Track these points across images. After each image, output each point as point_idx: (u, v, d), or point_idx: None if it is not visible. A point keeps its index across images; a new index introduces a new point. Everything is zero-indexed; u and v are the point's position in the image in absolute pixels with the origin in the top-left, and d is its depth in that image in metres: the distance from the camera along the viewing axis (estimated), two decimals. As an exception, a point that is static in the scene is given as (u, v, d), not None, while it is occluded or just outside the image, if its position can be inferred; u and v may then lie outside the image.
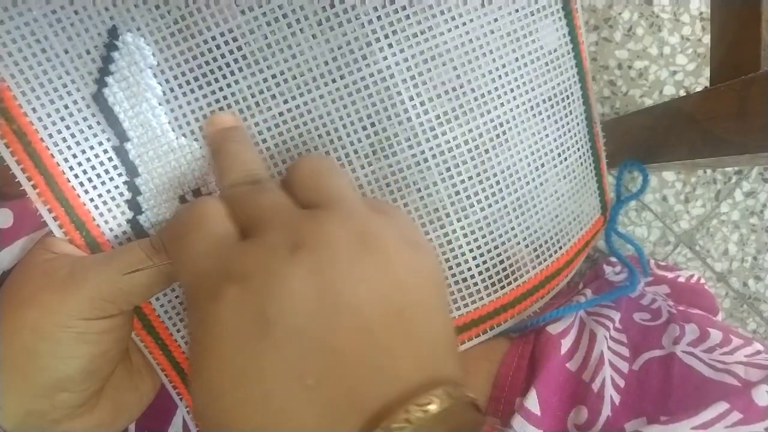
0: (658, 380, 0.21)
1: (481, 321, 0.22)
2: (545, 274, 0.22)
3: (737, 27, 0.26)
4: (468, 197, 0.20)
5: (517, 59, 0.20)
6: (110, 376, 0.18)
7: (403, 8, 0.18)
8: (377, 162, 0.19)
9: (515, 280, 0.21)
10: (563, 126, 0.22)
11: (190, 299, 0.13)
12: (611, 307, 0.26)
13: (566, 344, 0.24)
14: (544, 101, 0.21)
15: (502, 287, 0.21)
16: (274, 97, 0.18)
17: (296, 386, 0.11)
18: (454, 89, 0.19)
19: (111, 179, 0.18)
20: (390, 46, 0.18)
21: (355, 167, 0.19)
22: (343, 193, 0.14)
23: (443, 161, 0.19)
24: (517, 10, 0.19)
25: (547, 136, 0.21)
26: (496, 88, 0.19)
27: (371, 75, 0.18)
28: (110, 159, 0.18)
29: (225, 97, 0.18)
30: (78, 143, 0.18)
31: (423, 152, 0.19)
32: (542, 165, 0.21)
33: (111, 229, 0.19)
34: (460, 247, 0.20)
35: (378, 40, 0.18)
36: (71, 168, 0.18)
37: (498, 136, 0.20)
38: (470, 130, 0.19)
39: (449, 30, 0.18)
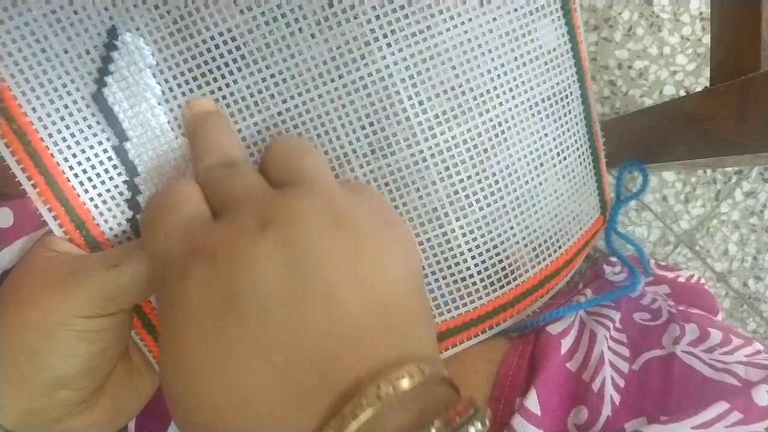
0: (658, 380, 0.21)
1: (480, 320, 0.22)
2: (544, 274, 0.22)
3: (737, 27, 0.25)
4: (467, 196, 0.20)
5: (515, 58, 0.20)
6: (110, 374, 0.18)
7: (402, 8, 0.18)
8: (376, 161, 0.19)
9: (514, 279, 0.21)
10: (562, 125, 0.22)
11: (160, 280, 0.13)
12: (611, 307, 0.26)
13: (566, 344, 0.24)
14: (543, 100, 0.21)
15: (501, 287, 0.21)
16: (272, 96, 0.18)
17: (263, 364, 0.10)
18: (452, 89, 0.19)
19: (111, 178, 0.18)
20: (389, 45, 0.18)
21: (354, 167, 0.19)
22: (315, 171, 0.14)
23: (442, 160, 0.19)
24: (515, 10, 0.19)
25: (546, 135, 0.21)
26: (495, 88, 0.19)
27: (370, 75, 0.18)
28: (110, 158, 0.18)
29: (224, 97, 0.18)
30: (78, 143, 0.18)
31: (422, 151, 0.19)
32: (541, 164, 0.21)
33: (111, 228, 0.19)
34: (459, 246, 0.20)
35: (377, 39, 0.18)
36: (71, 167, 0.18)
37: (497, 135, 0.20)
38: (469, 130, 0.19)
39: (448, 29, 0.18)
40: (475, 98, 0.19)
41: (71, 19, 0.17)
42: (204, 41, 0.18)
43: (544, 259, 0.22)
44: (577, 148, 0.23)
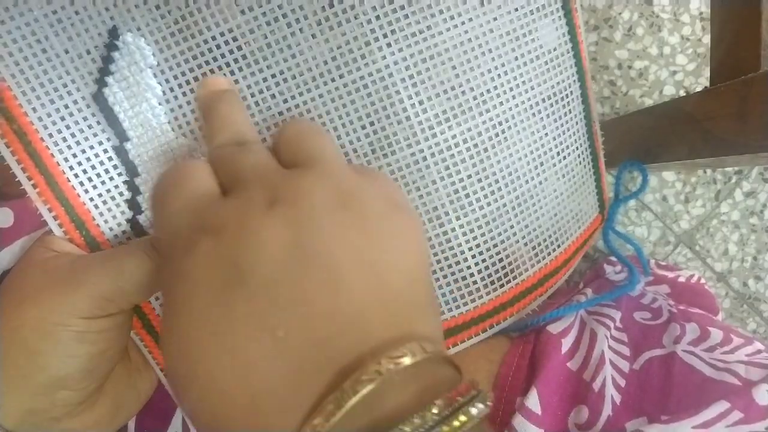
0: (658, 379, 0.21)
1: (481, 319, 0.22)
2: (544, 273, 0.22)
3: (737, 27, 0.25)
4: (467, 196, 0.20)
5: (516, 58, 0.20)
6: (110, 374, 0.18)
7: (402, 8, 0.18)
8: (377, 161, 0.19)
9: (514, 278, 0.21)
10: (562, 125, 0.22)
11: (166, 255, 0.13)
12: (612, 307, 0.26)
13: (567, 344, 0.24)
14: (543, 100, 0.21)
15: (501, 286, 0.21)
16: (273, 96, 0.18)
17: (266, 338, 0.10)
18: (453, 88, 0.19)
19: (111, 179, 0.18)
20: (389, 45, 0.18)
21: None
22: (325, 152, 0.14)
23: (442, 160, 0.19)
24: (516, 9, 0.19)
25: (546, 135, 0.21)
26: (495, 87, 0.19)
27: (370, 74, 0.18)
28: (110, 159, 0.18)
29: (225, 97, 0.18)
30: (78, 143, 0.18)
31: (422, 151, 0.19)
32: (541, 164, 0.21)
33: (111, 229, 0.19)
34: (459, 245, 0.20)
35: (377, 39, 0.18)
36: (71, 168, 0.18)
37: (497, 135, 0.20)
38: (469, 129, 0.19)
39: (448, 29, 0.18)
40: (475, 98, 0.19)
41: (72, 19, 0.17)
42: (205, 41, 0.18)
43: (544, 258, 0.22)
44: (577, 148, 0.23)
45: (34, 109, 0.17)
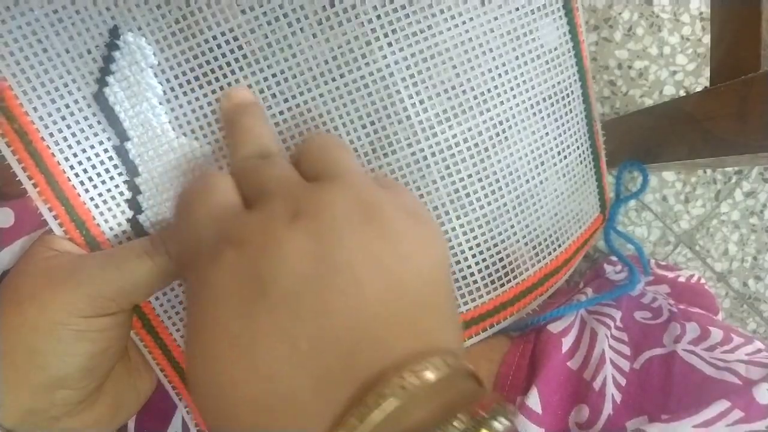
0: (659, 379, 0.21)
1: (481, 319, 0.22)
2: (544, 272, 0.22)
3: (737, 27, 0.25)
4: (467, 195, 0.20)
5: (517, 58, 0.20)
6: (109, 374, 0.18)
7: (403, 7, 0.18)
8: (377, 161, 0.19)
9: (514, 278, 0.21)
10: (563, 124, 0.22)
11: (190, 266, 0.13)
12: (612, 306, 0.26)
13: (567, 343, 0.24)
14: (544, 99, 0.21)
15: (502, 285, 0.21)
16: (274, 96, 0.18)
17: (289, 350, 0.11)
18: (453, 88, 0.19)
19: (111, 178, 0.18)
20: (389, 45, 0.18)
21: None
22: (347, 165, 0.14)
23: (443, 160, 0.19)
24: (516, 9, 0.19)
25: (547, 134, 0.21)
26: (496, 87, 0.19)
27: (371, 74, 0.18)
28: (110, 158, 0.18)
29: (225, 96, 0.18)
30: (78, 142, 0.18)
31: (422, 150, 0.19)
32: (542, 163, 0.21)
33: (111, 228, 0.19)
34: (460, 245, 0.20)
35: (377, 39, 0.18)
36: (72, 167, 0.18)
37: (498, 134, 0.20)
38: (470, 129, 0.19)
39: (449, 29, 0.18)
40: (475, 97, 0.19)
41: (73, 19, 0.17)
42: (206, 41, 0.18)
43: (544, 258, 0.22)
44: (578, 147, 0.23)
45: (35, 109, 0.17)
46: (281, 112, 0.18)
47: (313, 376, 0.10)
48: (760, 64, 0.24)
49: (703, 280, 0.33)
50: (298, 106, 0.18)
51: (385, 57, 0.18)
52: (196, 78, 0.18)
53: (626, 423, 0.20)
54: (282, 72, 0.18)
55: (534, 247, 0.22)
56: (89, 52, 0.17)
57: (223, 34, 0.18)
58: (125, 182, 0.19)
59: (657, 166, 0.32)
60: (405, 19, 0.18)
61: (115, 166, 0.18)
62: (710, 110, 0.25)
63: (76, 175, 0.18)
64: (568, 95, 0.22)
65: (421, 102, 0.18)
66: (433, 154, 0.19)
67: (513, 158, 0.20)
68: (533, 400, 0.21)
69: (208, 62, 0.18)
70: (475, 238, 0.20)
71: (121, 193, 0.19)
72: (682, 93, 0.39)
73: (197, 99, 0.18)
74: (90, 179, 0.18)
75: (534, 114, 0.20)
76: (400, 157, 0.19)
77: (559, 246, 0.22)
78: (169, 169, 0.19)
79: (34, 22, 0.17)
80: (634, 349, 0.23)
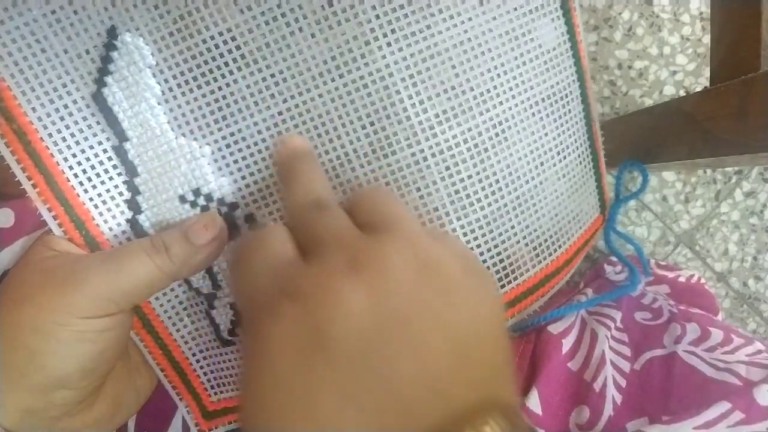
0: (659, 380, 0.21)
1: (482, 320, 0.21)
2: (545, 273, 0.22)
3: (737, 27, 0.25)
4: (467, 196, 0.19)
5: (515, 58, 0.20)
6: (109, 374, 0.18)
7: (401, 7, 0.18)
8: (377, 161, 0.19)
9: (515, 279, 0.21)
10: (562, 125, 0.22)
11: (248, 316, 0.13)
12: (612, 307, 0.26)
13: (567, 344, 0.23)
14: (542, 100, 0.21)
15: (502, 286, 0.21)
16: (273, 96, 0.18)
17: (349, 404, 0.11)
18: (452, 88, 0.19)
19: (110, 179, 0.18)
20: (388, 45, 0.18)
21: (354, 166, 0.19)
22: (403, 218, 0.14)
23: (442, 160, 0.19)
24: (515, 9, 0.19)
25: (546, 135, 0.21)
26: (495, 87, 0.19)
27: (370, 74, 0.18)
28: (110, 158, 0.18)
29: (224, 97, 0.18)
30: (77, 143, 0.18)
31: (422, 151, 0.19)
32: (541, 164, 0.21)
33: (110, 229, 0.19)
34: (460, 245, 0.20)
35: (376, 39, 0.18)
36: (71, 167, 0.18)
37: (497, 134, 0.20)
38: (469, 129, 0.19)
39: (447, 29, 0.18)
40: (474, 98, 0.19)
41: (71, 19, 0.17)
42: (204, 41, 0.17)
43: (545, 259, 0.22)
44: (577, 148, 0.23)
45: (34, 109, 0.17)
46: (280, 113, 0.18)
47: (373, 430, 0.10)
48: (760, 64, 0.24)
49: (703, 280, 0.33)
50: (297, 106, 0.18)
51: (384, 57, 0.18)
52: (195, 78, 0.18)
53: (627, 424, 0.20)
54: (281, 72, 0.18)
55: (534, 248, 0.21)
56: (87, 52, 0.17)
57: (221, 34, 0.17)
58: (124, 182, 0.18)
59: (657, 166, 0.32)
60: (404, 19, 0.18)
61: (114, 167, 0.18)
62: (710, 110, 0.25)
63: (75, 175, 0.18)
64: (566, 95, 0.22)
65: (421, 102, 0.18)
66: (433, 155, 0.19)
67: (512, 159, 0.20)
68: (533, 401, 0.21)
69: (206, 62, 0.18)
70: (475, 239, 0.20)
71: (121, 194, 0.18)
72: (682, 93, 0.39)
73: (196, 99, 0.18)
74: (89, 179, 0.18)
75: (533, 114, 0.20)
76: (400, 157, 0.19)
77: (560, 247, 0.22)
78: (169, 169, 0.19)
79: (33, 23, 0.17)
80: (635, 349, 0.23)
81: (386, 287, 0.12)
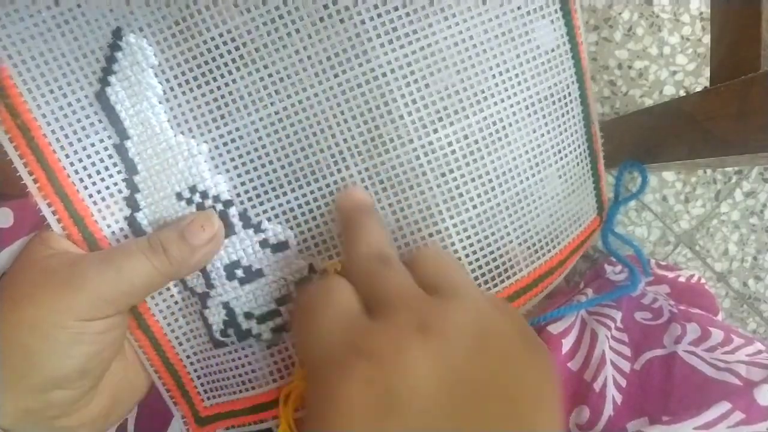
0: (659, 380, 0.21)
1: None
2: (538, 273, 0.21)
3: (737, 27, 0.25)
4: (461, 195, 0.19)
5: (512, 59, 0.19)
6: (105, 373, 0.18)
7: (396, 9, 0.17)
8: (371, 159, 0.19)
9: (507, 278, 0.21)
10: (560, 126, 0.21)
11: (315, 370, 0.13)
12: (612, 307, 0.25)
13: (567, 344, 0.23)
14: (539, 101, 0.20)
15: (495, 285, 0.20)
16: (270, 95, 0.18)
17: None
18: (447, 88, 0.18)
19: (110, 176, 0.18)
20: (383, 45, 0.18)
21: (349, 165, 0.19)
22: (467, 283, 0.15)
23: (435, 159, 0.19)
24: (512, 10, 0.19)
25: (542, 135, 0.21)
26: (489, 88, 0.19)
27: (364, 74, 0.18)
28: (110, 156, 0.18)
29: (223, 96, 0.18)
30: (79, 140, 0.18)
31: (415, 150, 0.19)
32: (537, 164, 0.21)
33: (108, 226, 0.19)
34: (453, 244, 0.19)
35: (370, 39, 0.18)
36: (72, 164, 0.18)
37: (491, 134, 0.19)
38: (463, 129, 0.19)
39: (443, 30, 0.18)
40: (469, 97, 0.19)
41: (78, 20, 0.17)
42: (205, 42, 0.18)
43: (538, 258, 0.21)
44: (575, 149, 0.23)
45: (39, 106, 0.18)
46: (277, 112, 0.18)
47: None
48: (760, 64, 0.24)
49: (703, 281, 0.33)
50: (293, 105, 0.18)
51: (377, 57, 0.18)
52: (195, 78, 0.18)
53: (627, 424, 0.20)
54: (278, 72, 0.18)
55: (528, 248, 0.21)
56: (93, 52, 0.18)
57: (221, 35, 0.18)
58: (124, 180, 0.19)
59: (657, 166, 0.31)
60: (400, 19, 0.18)
61: (115, 164, 0.18)
62: (710, 110, 0.25)
63: (76, 171, 0.18)
64: (564, 97, 0.21)
65: (414, 102, 0.18)
66: (426, 154, 0.19)
67: (508, 158, 0.20)
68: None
69: (206, 62, 0.18)
70: (468, 237, 0.20)
71: (120, 191, 0.19)
72: (682, 93, 0.39)
73: (195, 98, 0.18)
74: (89, 176, 0.18)
75: (529, 115, 0.20)
76: (394, 156, 0.19)
77: (554, 247, 0.22)
78: (167, 167, 0.19)
79: (41, 23, 0.17)
80: (635, 349, 0.23)
81: (453, 353, 0.12)
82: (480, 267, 0.20)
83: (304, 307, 0.15)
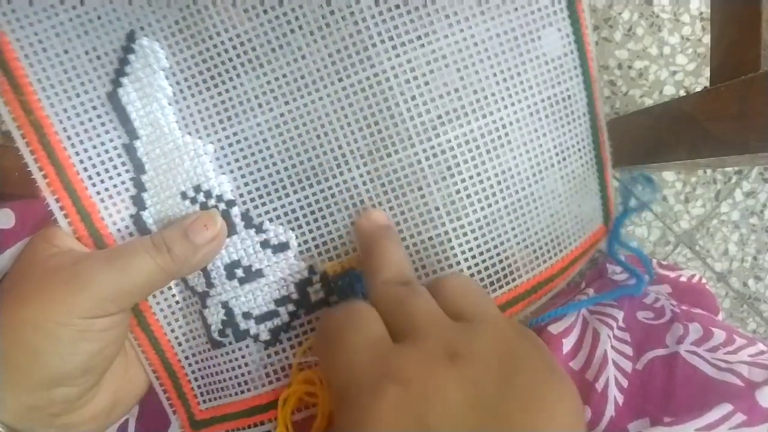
0: (661, 380, 0.20)
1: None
2: (537, 280, 0.21)
3: (737, 27, 0.25)
4: (461, 199, 0.19)
5: (517, 65, 0.19)
6: (107, 370, 0.18)
7: (400, 14, 0.17)
8: (373, 162, 0.19)
9: (507, 283, 0.20)
10: (565, 133, 0.21)
11: (344, 394, 0.13)
12: (614, 306, 0.25)
13: (568, 343, 0.23)
14: (545, 107, 0.20)
15: (494, 290, 0.20)
16: (276, 98, 0.18)
17: None
18: (450, 93, 0.18)
19: (118, 174, 0.19)
20: (387, 50, 0.18)
21: (351, 167, 0.19)
22: (492, 312, 0.15)
23: (437, 163, 0.19)
24: (519, 17, 0.19)
25: (546, 141, 0.20)
26: (493, 93, 0.19)
27: (368, 78, 0.18)
28: (119, 155, 0.18)
29: (230, 98, 0.18)
30: (90, 138, 0.18)
31: (417, 154, 0.18)
32: (540, 170, 0.20)
33: (114, 223, 0.19)
34: (453, 248, 0.19)
35: (374, 45, 0.18)
36: (81, 161, 0.18)
37: (495, 139, 0.19)
38: (465, 133, 0.19)
39: (449, 35, 0.18)
40: (474, 102, 0.19)
41: (94, 23, 0.18)
42: (214, 45, 0.18)
43: (539, 265, 0.21)
44: (581, 156, 0.22)
45: (52, 104, 0.18)
46: (282, 114, 0.18)
47: None
48: (760, 64, 0.23)
49: (704, 280, 0.33)
50: (298, 108, 0.18)
51: (381, 63, 0.18)
52: (204, 80, 0.18)
53: (628, 425, 0.19)
54: (284, 75, 0.18)
55: (529, 254, 0.21)
56: (107, 54, 0.18)
57: (230, 39, 0.18)
58: (131, 179, 0.19)
59: (657, 166, 0.31)
60: (405, 25, 0.18)
61: (123, 163, 0.18)
62: (710, 110, 0.25)
63: (85, 169, 0.18)
64: (571, 104, 0.21)
65: (417, 106, 0.18)
66: (428, 158, 0.19)
67: (510, 164, 0.20)
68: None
69: (215, 66, 0.18)
70: (468, 242, 0.19)
71: (127, 189, 0.19)
72: (682, 93, 0.39)
73: (204, 101, 0.18)
74: (98, 174, 0.18)
75: (534, 121, 0.20)
76: (396, 159, 0.19)
77: (556, 254, 0.22)
78: (173, 166, 0.19)
79: (59, 26, 0.17)
80: (637, 349, 0.22)
81: (481, 378, 0.12)
82: (479, 272, 0.20)
83: (331, 331, 0.15)
